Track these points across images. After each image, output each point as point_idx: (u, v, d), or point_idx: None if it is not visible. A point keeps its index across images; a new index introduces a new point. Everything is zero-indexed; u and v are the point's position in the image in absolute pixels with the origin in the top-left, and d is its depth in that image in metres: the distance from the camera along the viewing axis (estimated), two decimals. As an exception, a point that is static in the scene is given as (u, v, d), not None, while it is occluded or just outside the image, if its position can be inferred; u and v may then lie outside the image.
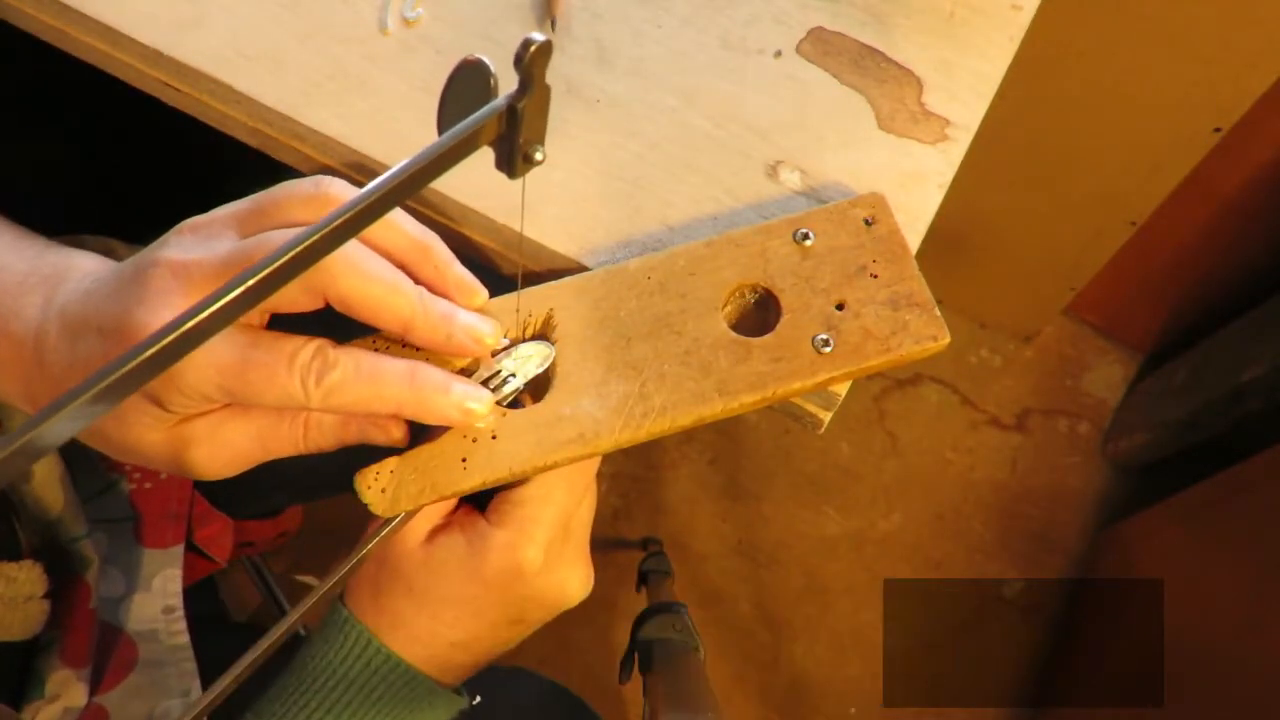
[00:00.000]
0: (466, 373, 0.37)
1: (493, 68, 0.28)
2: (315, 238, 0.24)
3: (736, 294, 0.38)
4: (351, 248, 0.33)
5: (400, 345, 0.36)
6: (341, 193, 0.34)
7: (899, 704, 1.24)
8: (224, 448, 0.35)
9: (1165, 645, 1.04)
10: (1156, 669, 1.03)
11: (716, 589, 1.27)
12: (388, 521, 0.35)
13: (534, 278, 0.41)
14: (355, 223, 0.25)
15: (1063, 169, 1.09)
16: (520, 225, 0.40)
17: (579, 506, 0.39)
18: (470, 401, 0.34)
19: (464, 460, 0.36)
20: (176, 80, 0.42)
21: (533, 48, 0.25)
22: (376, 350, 0.36)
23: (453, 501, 0.40)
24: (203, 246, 0.33)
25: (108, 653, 0.54)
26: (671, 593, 0.99)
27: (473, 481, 0.35)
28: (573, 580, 0.40)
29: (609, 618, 1.23)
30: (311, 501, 0.80)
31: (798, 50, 0.45)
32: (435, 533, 0.39)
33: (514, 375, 0.37)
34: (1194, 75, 0.91)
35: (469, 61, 0.28)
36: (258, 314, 0.34)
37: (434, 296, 0.35)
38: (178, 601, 0.57)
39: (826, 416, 0.40)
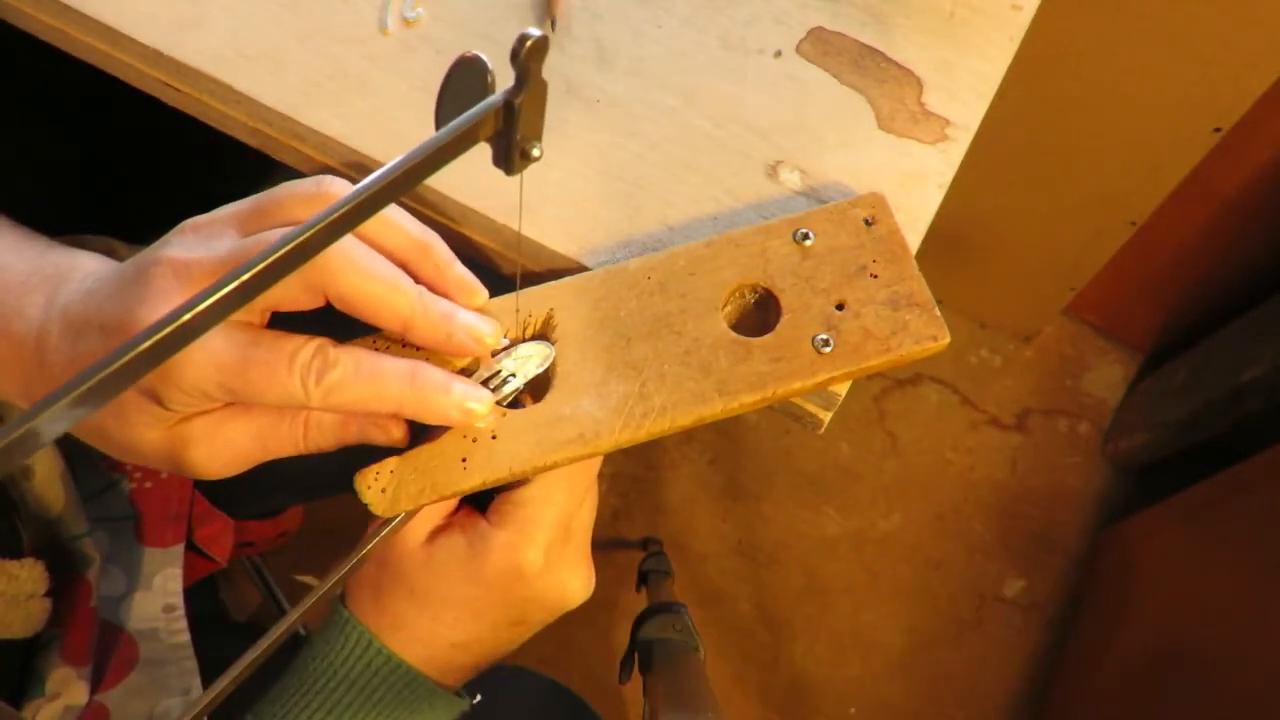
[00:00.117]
0: (466, 373, 0.37)
1: (490, 64, 0.28)
2: (311, 232, 0.24)
3: (736, 294, 0.38)
4: (352, 246, 0.33)
5: (401, 345, 0.36)
6: (342, 192, 0.34)
7: (899, 703, 1.24)
8: (224, 447, 0.35)
9: (1165, 645, 1.04)
10: (1156, 669, 1.03)
11: (716, 589, 1.27)
12: (387, 521, 0.35)
13: (534, 278, 0.41)
14: (351, 217, 0.25)
15: (1063, 169, 1.09)
16: (519, 223, 0.40)
17: (580, 508, 0.39)
18: (470, 401, 0.34)
19: (464, 460, 0.36)
20: (176, 80, 0.42)
21: (528, 43, 0.25)
22: (377, 350, 0.36)
23: (453, 502, 0.40)
24: (204, 246, 0.33)
25: (108, 651, 0.54)
26: (671, 593, 0.99)
27: (473, 481, 0.35)
28: (573, 582, 0.40)
29: (609, 618, 1.23)
30: (311, 501, 0.81)
31: (798, 50, 0.45)
32: (436, 534, 0.39)
33: (514, 375, 0.37)
34: (1194, 75, 0.91)
35: (466, 58, 0.28)
36: (258, 313, 0.34)
37: (434, 296, 0.35)
38: (178, 600, 0.57)
39: (826, 416, 0.40)
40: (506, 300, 0.38)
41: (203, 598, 0.61)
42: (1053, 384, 1.39)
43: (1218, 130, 0.96)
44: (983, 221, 1.21)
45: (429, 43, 0.43)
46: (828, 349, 0.36)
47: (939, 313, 0.37)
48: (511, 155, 0.28)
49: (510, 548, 0.37)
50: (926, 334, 0.37)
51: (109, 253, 0.38)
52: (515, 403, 0.37)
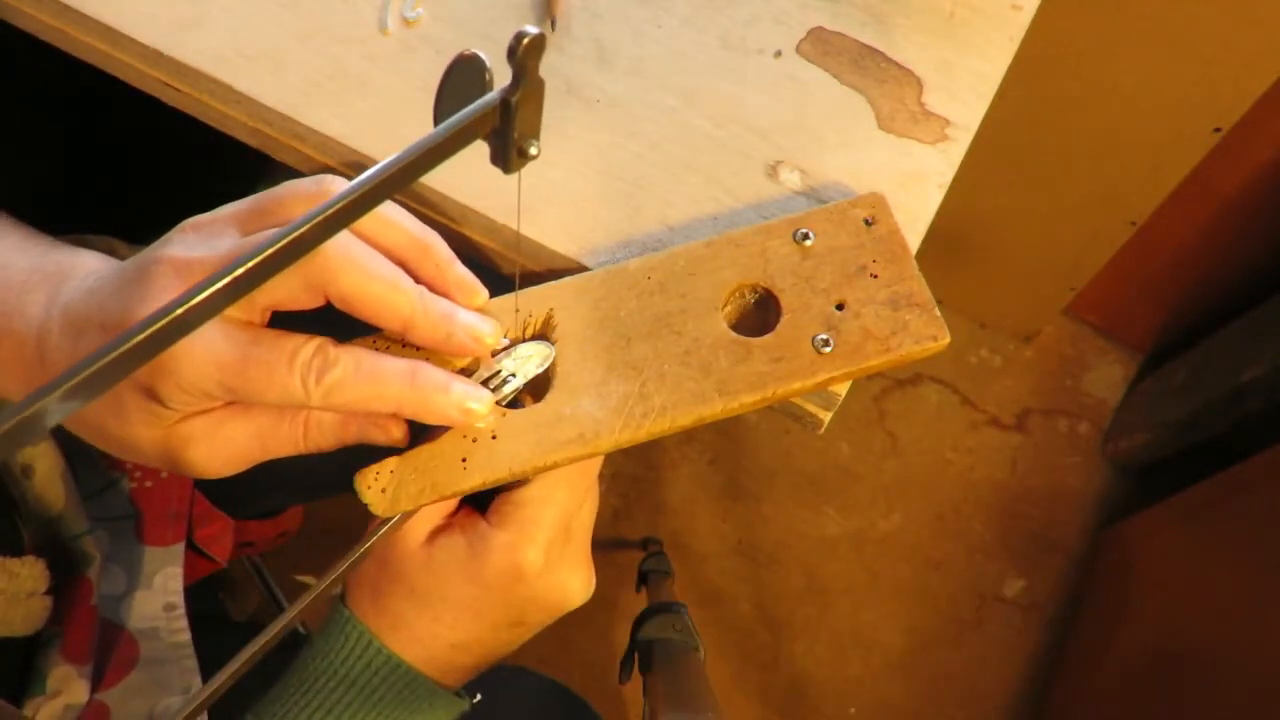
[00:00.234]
0: (466, 373, 0.37)
1: (488, 62, 0.28)
2: (307, 227, 0.24)
3: (736, 294, 0.38)
4: (352, 245, 0.33)
5: (401, 345, 0.36)
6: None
7: (899, 703, 1.24)
8: (224, 446, 0.35)
9: (1165, 645, 1.04)
10: (1156, 669, 1.03)
11: (716, 589, 1.27)
12: (385, 521, 0.35)
13: (534, 278, 0.41)
14: (348, 213, 0.25)
15: (1063, 169, 1.09)
16: (517, 223, 0.40)
17: (580, 508, 0.39)
18: (470, 401, 0.34)
19: (464, 460, 0.36)
20: (176, 80, 0.42)
21: (525, 40, 0.25)
22: (377, 350, 0.36)
23: (453, 502, 0.40)
24: (204, 245, 0.33)
25: (109, 650, 0.54)
26: (671, 593, 0.99)
27: (472, 481, 0.35)
28: (574, 582, 0.40)
29: (609, 618, 1.23)
30: (311, 501, 0.81)
31: (798, 50, 0.45)
32: (436, 534, 0.39)
33: (514, 375, 0.37)
34: (1194, 75, 0.91)
35: (465, 56, 0.28)
36: (259, 312, 0.34)
37: (434, 295, 0.35)
38: (179, 599, 0.57)
39: (826, 416, 0.40)
40: (506, 300, 0.38)
41: (203, 598, 0.61)
42: (1053, 384, 1.39)
43: (1218, 130, 0.96)
44: (983, 221, 1.21)
45: (429, 43, 0.43)
46: (828, 349, 0.36)
47: (939, 313, 0.37)
48: (509, 153, 0.28)
49: (510, 548, 0.37)
50: (926, 334, 0.37)
51: (110, 252, 0.38)
52: (515, 403, 0.37)
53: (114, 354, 0.21)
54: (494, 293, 0.37)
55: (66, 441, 0.50)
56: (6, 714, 0.43)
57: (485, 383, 0.36)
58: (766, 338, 0.37)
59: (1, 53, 0.49)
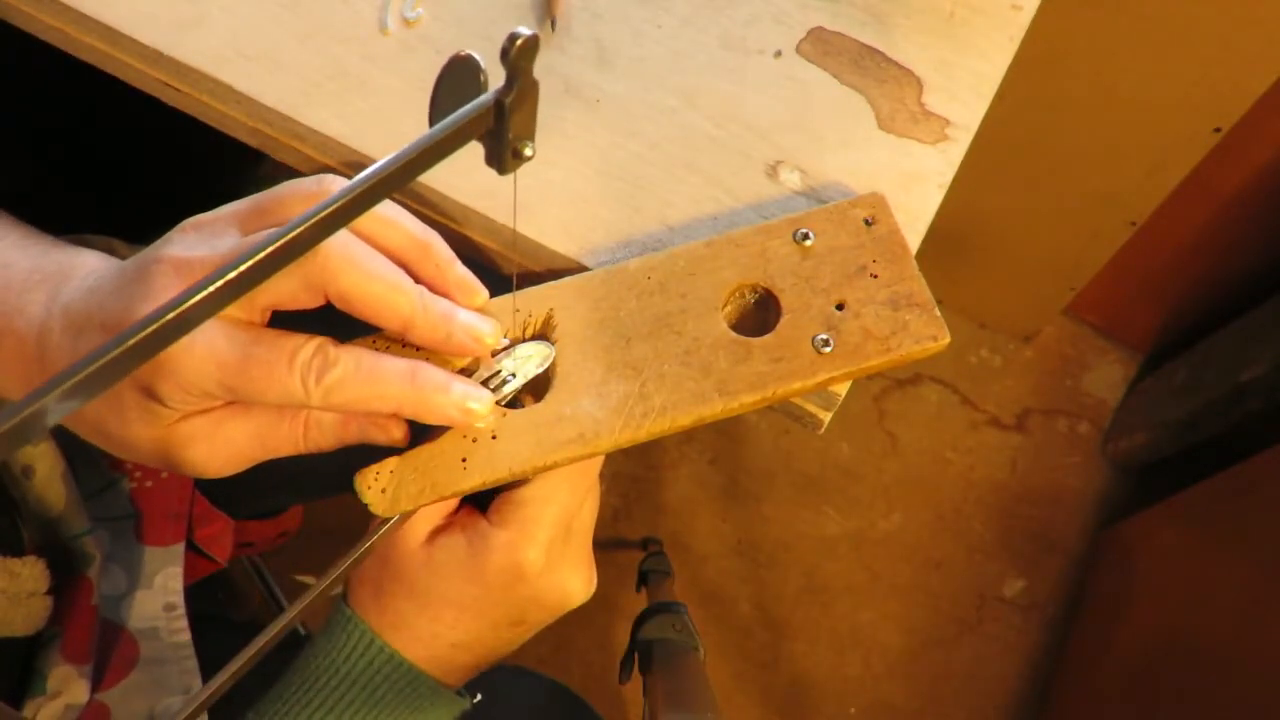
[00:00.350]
0: (467, 373, 0.37)
1: (483, 63, 0.28)
2: (301, 229, 0.24)
3: (736, 294, 0.38)
4: (353, 245, 0.33)
5: (401, 345, 0.36)
6: (343, 191, 0.34)
7: (899, 703, 1.24)
8: (224, 446, 0.35)
9: (1165, 645, 1.04)
10: (1156, 669, 1.03)
11: (716, 589, 1.27)
12: (386, 520, 0.35)
13: (534, 278, 0.41)
14: (343, 214, 0.25)
15: (1063, 169, 1.09)
16: (514, 223, 0.40)
17: (581, 507, 0.39)
18: (470, 401, 0.34)
19: (464, 460, 0.36)
20: (176, 80, 0.42)
21: (519, 42, 0.25)
22: (377, 349, 0.36)
23: (454, 502, 0.40)
24: (205, 244, 0.33)
25: (109, 650, 0.54)
26: (671, 593, 0.99)
27: (472, 481, 0.35)
28: (574, 581, 0.40)
29: (609, 618, 1.23)
30: (311, 501, 0.80)
31: (798, 50, 0.45)
32: (437, 533, 0.39)
33: (514, 375, 0.37)
34: (1194, 75, 0.91)
35: (460, 57, 0.28)
36: (259, 311, 0.34)
37: (434, 295, 0.35)
38: (179, 599, 0.57)
39: (826, 416, 0.40)
40: (506, 300, 0.38)
41: (203, 598, 0.61)
42: (1053, 384, 1.39)
43: (1218, 130, 0.96)
44: (983, 221, 1.21)
45: (429, 43, 0.43)
46: (828, 349, 0.36)
47: (939, 313, 0.37)
48: (504, 154, 0.28)
49: (511, 547, 0.37)
50: (926, 334, 0.37)
51: (110, 252, 0.38)
52: (515, 403, 0.37)
53: (114, 353, 0.21)
54: (494, 293, 0.37)
55: (67, 441, 0.50)
56: (5, 715, 0.43)
57: (485, 383, 0.36)
58: (766, 338, 0.37)
59: (1, 53, 0.49)
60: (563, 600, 0.40)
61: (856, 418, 1.36)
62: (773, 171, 0.42)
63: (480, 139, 0.27)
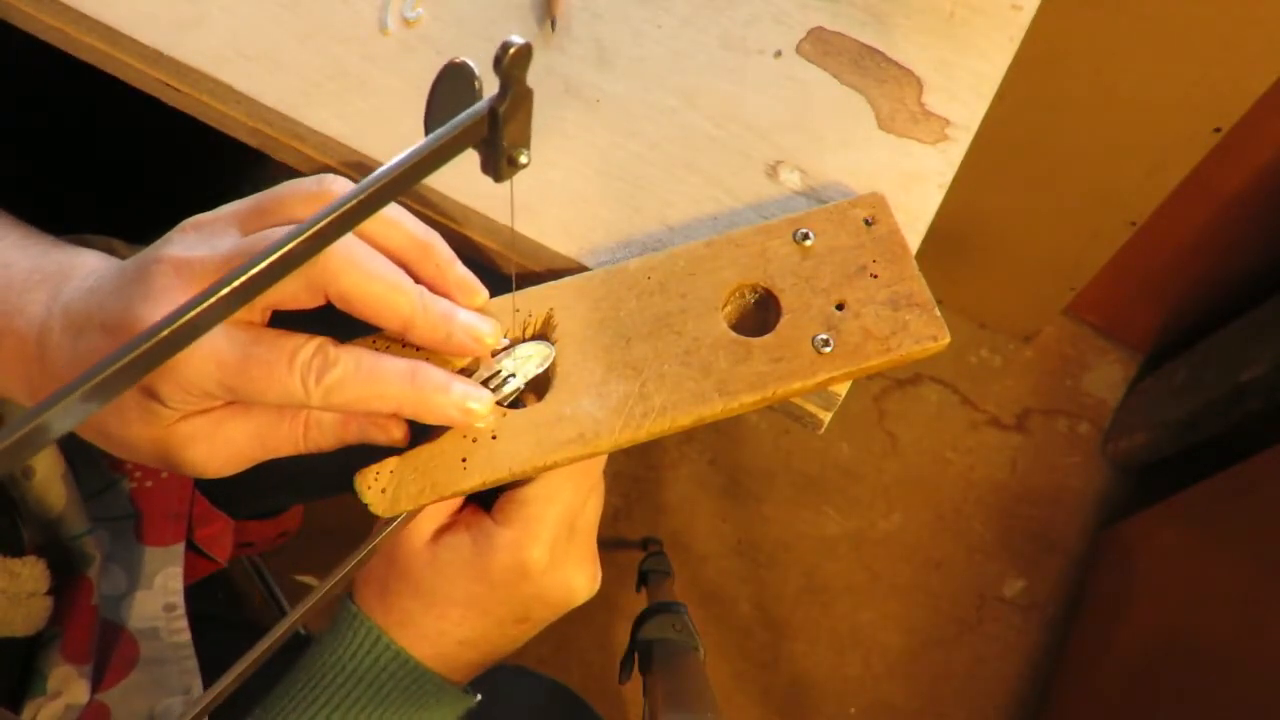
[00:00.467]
0: (467, 373, 0.37)
1: (477, 70, 0.28)
2: (290, 246, 0.24)
3: (736, 294, 0.38)
4: (353, 246, 0.33)
5: (401, 345, 0.36)
6: (343, 191, 0.34)
7: (899, 703, 1.24)
8: (224, 446, 0.35)
9: (1165, 645, 1.04)
10: (1156, 669, 1.03)
11: (716, 589, 1.27)
12: (389, 521, 0.36)
13: (534, 278, 0.41)
14: (333, 229, 0.25)
15: (1063, 169, 1.09)
16: (511, 226, 0.40)
17: (585, 505, 0.39)
18: (470, 401, 0.34)
19: (464, 460, 0.36)
20: (176, 80, 0.42)
21: (511, 51, 0.25)
22: (377, 350, 0.36)
23: (459, 501, 0.40)
24: (205, 244, 0.33)
25: (109, 650, 0.54)
26: (671, 593, 0.99)
27: (473, 481, 0.35)
28: (579, 578, 0.40)
29: (609, 618, 1.23)
30: (311, 501, 0.81)
31: (798, 50, 0.45)
32: (441, 532, 0.39)
33: (514, 375, 0.37)
34: (1194, 75, 0.91)
35: (454, 64, 0.28)
36: (259, 311, 0.34)
37: (434, 295, 0.35)
38: (179, 599, 0.57)
39: (826, 416, 0.40)
40: (506, 300, 0.38)
41: (203, 597, 0.61)
42: (1053, 384, 1.39)
43: (1218, 130, 0.96)
44: (983, 221, 1.21)
45: (429, 43, 0.43)
46: (828, 349, 0.36)
47: (939, 313, 0.37)
48: (499, 163, 0.28)
49: (515, 545, 0.37)
50: (926, 334, 0.37)
51: (110, 252, 0.38)
52: (516, 403, 0.37)
53: (129, 357, 0.21)
54: (495, 293, 0.37)
55: (67, 442, 0.50)
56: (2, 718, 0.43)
57: (485, 383, 0.36)
58: (766, 338, 0.37)
59: (1, 53, 0.49)
60: (568, 597, 0.40)
61: (856, 418, 1.36)
62: (773, 171, 0.42)
63: (475, 147, 0.27)
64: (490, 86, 0.26)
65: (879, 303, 0.37)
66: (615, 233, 0.41)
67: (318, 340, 0.33)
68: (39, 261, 0.36)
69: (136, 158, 0.64)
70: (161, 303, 0.31)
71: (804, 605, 1.27)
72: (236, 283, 0.23)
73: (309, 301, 0.33)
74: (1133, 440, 1.30)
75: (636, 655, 0.66)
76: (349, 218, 0.25)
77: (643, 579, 1.05)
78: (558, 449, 0.35)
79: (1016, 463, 1.35)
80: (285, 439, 0.36)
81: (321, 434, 0.36)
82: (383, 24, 0.43)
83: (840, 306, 0.37)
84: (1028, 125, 1.03)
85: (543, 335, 0.38)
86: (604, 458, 0.39)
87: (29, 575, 0.45)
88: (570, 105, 0.43)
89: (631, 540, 1.27)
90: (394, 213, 0.35)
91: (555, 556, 0.38)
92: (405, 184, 0.26)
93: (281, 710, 0.39)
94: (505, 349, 0.37)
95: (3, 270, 0.36)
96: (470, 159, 0.29)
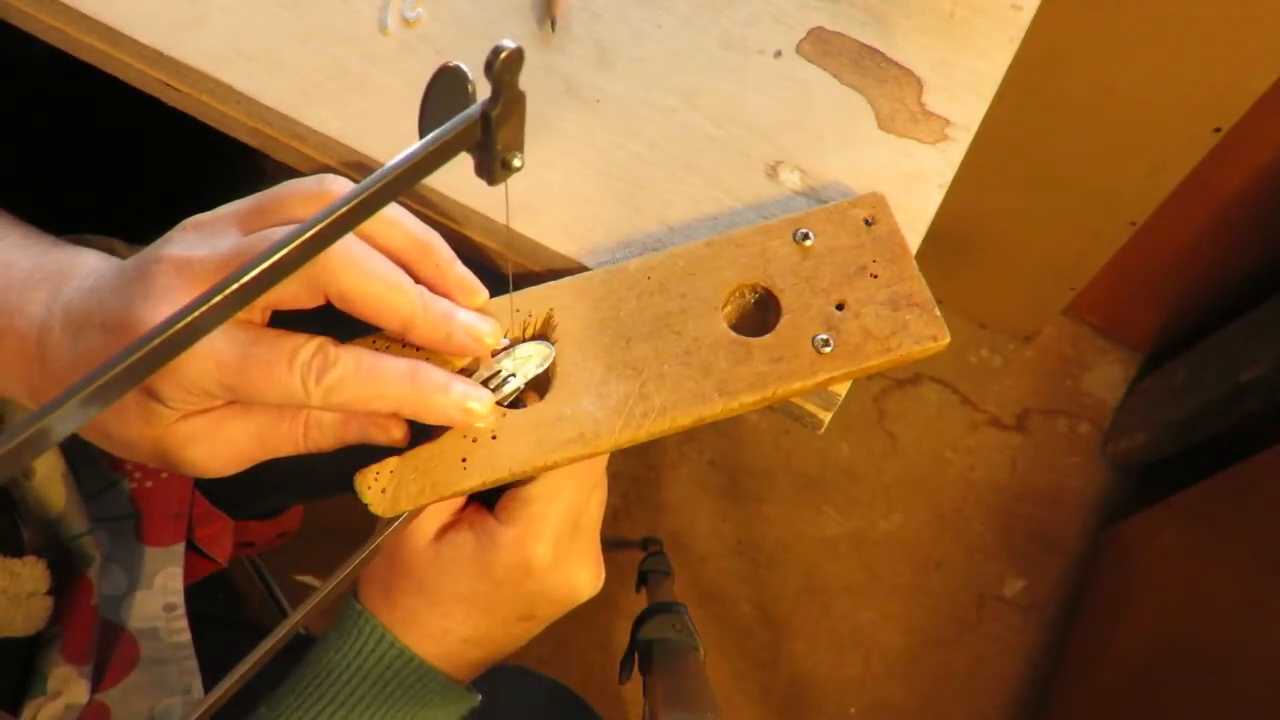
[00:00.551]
0: (467, 373, 0.37)
1: (470, 74, 0.28)
2: (285, 251, 0.24)
3: (736, 294, 0.38)
4: (353, 245, 0.33)
5: (401, 345, 0.36)
6: (343, 190, 0.34)
7: (899, 704, 1.24)
8: (224, 446, 0.35)
9: (1165, 645, 1.04)
10: (1156, 669, 1.03)
11: (716, 589, 1.27)
12: (391, 521, 0.36)
13: (534, 278, 0.41)
14: (324, 237, 0.25)
15: (1063, 169, 1.09)
16: (507, 229, 0.40)
17: (588, 503, 0.40)
18: (470, 401, 0.34)
19: (464, 460, 0.36)
20: (176, 80, 0.42)
21: (502, 55, 0.25)
22: (377, 349, 0.36)
23: (461, 499, 0.40)
24: (205, 244, 0.33)
25: (109, 650, 0.54)
26: (671, 593, 0.99)
27: (473, 481, 0.35)
28: (582, 576, 0.40)
29: (609, 618, 1.23)
30: (311, 501, 0.81)
31: (798, 50, 0.45)
32: (444, 530, 0.39)
33: (514, 375, 0.37)
34: (1194, 75, 0.91)
35: (447, 68, 0.28)
36: (259, 311, 0.34)
37: (434, 295, 0.35)
38: (179, 599, 0.57)
39: (826, 416, 0.40)
40: (506, 300, 0.38)
41: (203, 597, 0.61)
42: (1053, 384, 1.39)
43: (1218, 130, 0.96)
44: (983, 221, 1.21)
45: (429, 43, 0.43)
46: (828, 349, 0.36)
47: (939, 313, 0.37)
48: (492, 166, 0.28)
49: (518, 543, 0.37)
50: (926, 334, 0.37)
51: (110, 252, 0.38)
52: (516, 403, 0.37)
53: (129, 360, 0.21)
54: (495, 293, 0.37)
55: (67, 442, 0.50)
56: None
57: (485, 383, 0.36)
58: (766, 338, 0.37)
59: (1, 53, 0.49)
60: (571, 595, 0.40)
61: (856, 418, 1.36)
62: (773, 171, 0.42)
63: (469, 150, 0.27)
64: (487, 89, 0.26)
65: (879, 303, 0.37)
66: (615, 233, 0.41)
67: (318, 340, 0.33)
68: (39, 261, 0.36)
69: (136, 158, 0.64)
70: (162, 302, 0.31)
71: (804, 605, 1.27)
72: (236, 285, 0.23)
73: (309, 301, 0.34)
74: (1133, 440, 1.30)
75: (636, 655, 0.66)
76: (349, 218, 0.25)
77: (643, 579, 1.05)
78: (558, 449, 0.35)
79: (1016, 463, 1.35)
80: (285, 439, 0.36)
81: (321, 434, 0.36)
82: (383, 24, 0.43)
83: (840, 306, 0.37)
84: (1028, 125, 1.03)
85: (543, 335, 0.38)
86: (606, 456, 0.39)
87: (29, 575, 0.45)
88: (570, 105, 0.43)
89: (631, 540, 1.27)
90: (394, 213, 0.35)
91: (559, 554, 0.38)
92: (401, 187, 0.26)
93: (286, 708, 0.39)
94: (505, 349, 0.37)
95: (3, 270, 0.36)
96: (470, 159, 0.29)
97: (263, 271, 0.24)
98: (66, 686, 0.48)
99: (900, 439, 1.36)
